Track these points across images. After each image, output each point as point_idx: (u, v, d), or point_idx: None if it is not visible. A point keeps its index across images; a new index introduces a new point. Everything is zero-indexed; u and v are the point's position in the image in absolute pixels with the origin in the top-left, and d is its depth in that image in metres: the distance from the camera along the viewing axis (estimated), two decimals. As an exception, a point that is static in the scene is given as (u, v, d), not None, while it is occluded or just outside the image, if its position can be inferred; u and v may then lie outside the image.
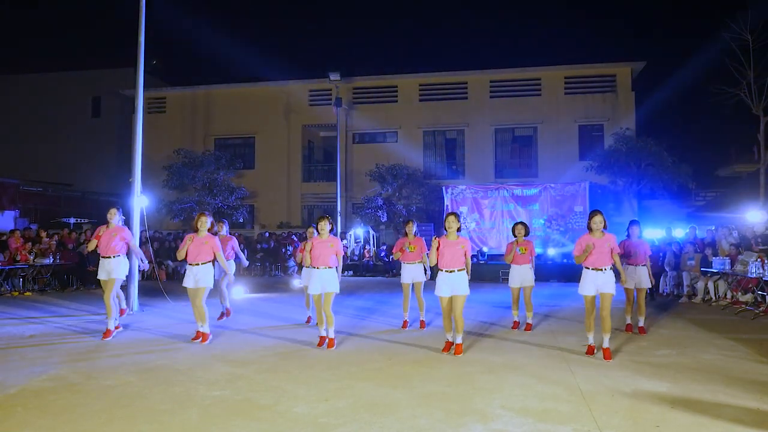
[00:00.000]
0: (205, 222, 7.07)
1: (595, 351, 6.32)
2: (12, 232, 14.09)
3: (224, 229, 8.86)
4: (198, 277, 7.02)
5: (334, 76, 22.82)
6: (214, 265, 7.33)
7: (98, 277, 7.63)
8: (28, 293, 12.76)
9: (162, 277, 15.06)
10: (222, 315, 8.97)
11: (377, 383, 5.25)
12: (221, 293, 8.98)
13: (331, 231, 6.88)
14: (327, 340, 6.77)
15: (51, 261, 13.54)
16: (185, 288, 7.15)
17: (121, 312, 8.64)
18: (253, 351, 6.68)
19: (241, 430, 4.06)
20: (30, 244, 13.77)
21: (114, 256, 7.52)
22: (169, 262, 17.12)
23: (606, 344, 6.25)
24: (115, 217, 7.62)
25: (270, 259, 19.12)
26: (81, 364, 5.96)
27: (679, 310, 10.24)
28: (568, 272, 15.94)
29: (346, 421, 4.22)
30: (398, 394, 4.90)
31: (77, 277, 14.13)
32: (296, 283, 15.69)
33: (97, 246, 7.66)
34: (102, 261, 7.55)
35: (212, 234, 7.27)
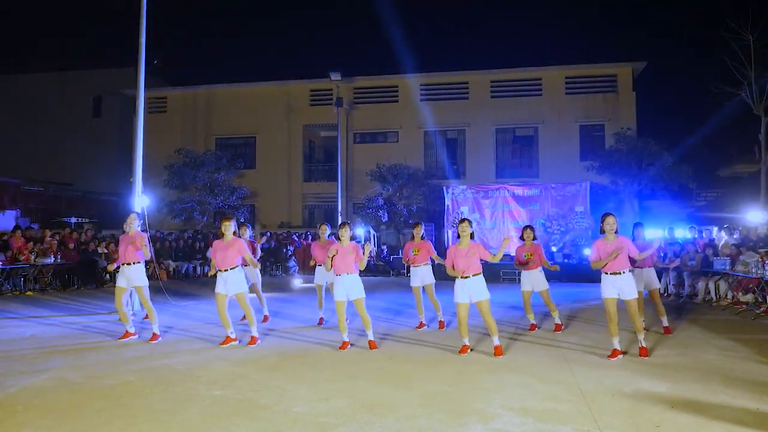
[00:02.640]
0: (230, 227, 7.04)
1: (621, 355, 6.23)
2: (13, 231, 14.11)
3: (247, 234, 8.85)
4: (228, 283, 6.98)
5: (335, 76, 22.83)
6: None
7: (118, 284, 7.50)
8: (29, 293, 12.76)
9: (163, 277, 15.06)
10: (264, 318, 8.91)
11: (378, 383, 5.26)
12: (260, 297, 9.01)
13: (351, 238, 6.97)
14: (368, 342, 6.86)
15: (52, 260, 13.55)
16: (216, 294, 7.07)
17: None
18: (253, 350, 6.69)
19: (241, 429, 4.07)
20: (31, 243, 13.78)
21: (134, 264, 7.42)
22: (170, 262, 17.12)
23: (643, 344, 6.38)
24: (134, 223, 7.54)
25: (271, 259, 19.13)
26: (81, 364, 5.97)
27: (679, 310, 10.23)
28: (568, 272, 15.94)
29: (346, 420, 4.23)
30: (398, 393, 4.91)
31: (78, 276, 14.15)
32: (297, 283, 15.75)
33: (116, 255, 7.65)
34: (122, 268, 7.46)
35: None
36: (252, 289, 8.56)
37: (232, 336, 7.03)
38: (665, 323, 7.90)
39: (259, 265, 8.68)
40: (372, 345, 6.78)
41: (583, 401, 4.65)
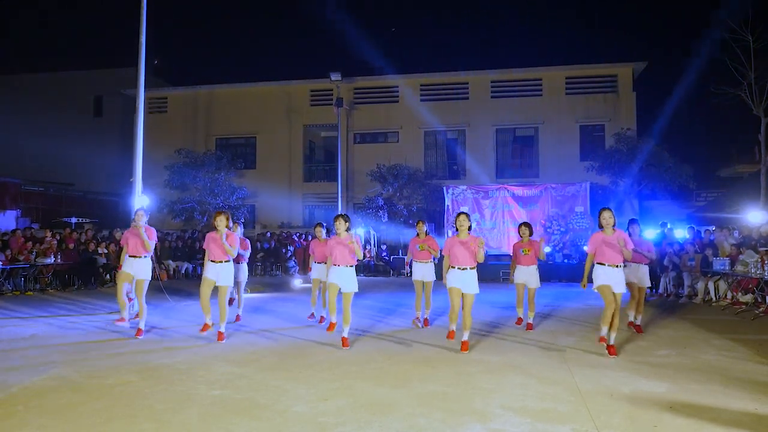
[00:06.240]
0: (223, 220, 7.22)
1: (613, 352, 6.29)
2: (13, 231, 14.14)
3: (239, 231, 8.90)
4: (220, 274, 7.22)
5: (335, 76, 22.84)
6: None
7: (123, 269, 7.69)
8: (29, 293, 12.79)
9: (163, 277, 15.08)
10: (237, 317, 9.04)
11: (377, 383, 5.27)
12: (239, 296, 9.13)
13: (347, 229, 6.96)
14: (342, 338, 6.84)
15: (52, 260, 13.58)
16: (202, 278, 7.29)
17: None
18: (253, 350, 6.70)
19: (241, 429, 4.08)
20: (31, 243, 13.80)
21: (142, 256, 7.64)
22: (170, 262, 17.14)
23: (612, 341, 6.39)
24: (142, 219, 7.75)
25: (271, 258, 19.15)
26: (82, 364, 5.99)
27: (679, 310, 10.24)
28: (569, 272, 15.96)
29: (346, 420, 4.24)
30: (398, 393, 4.92)
31: (78, 276, 14.17)
32: (297, 283, 15.76)
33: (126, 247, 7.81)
34: (129, 260, 7.68)
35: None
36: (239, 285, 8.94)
37: (210, 323, 7.26)
38: (638, 321, 8.02)
39: (245, 260, 9.02)
40: (344, 342, 6.79)
41: (582, 401, 4.66)
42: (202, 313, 7.37)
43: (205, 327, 7.25)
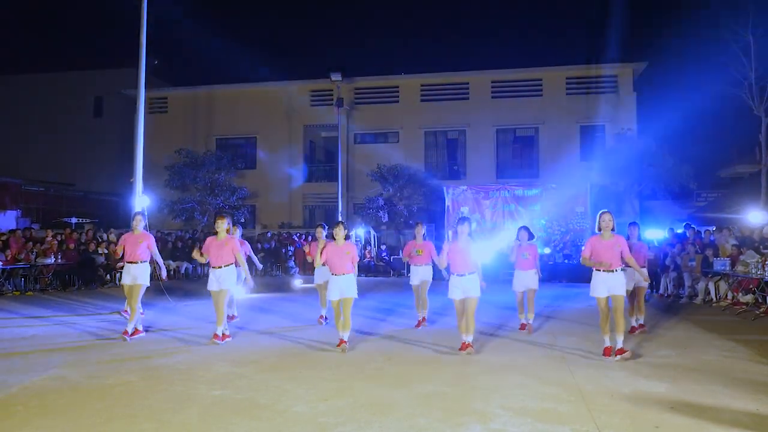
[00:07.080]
0: (223, 224, 7.11)
1: (612, 353, 6.22)
2: (14, 231, 14.13)
3: (237, 233, 8.85)
4: (221, 280, 7.09)
5: (336, 77, 22.81)
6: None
7: (122, 282, 7.69)
8: (29, 293, 12.78)
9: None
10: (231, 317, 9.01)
11: (377, 383, 5.27)
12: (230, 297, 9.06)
13: (347, 237, 6.89)
14: (340, 339, 6.74)
15: (52, 261, 13.57)
16: (209, 291, 7.19)
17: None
18: (253, 350, 6.69)
19: (241, 428, 4.07)
20: (31, 243, 13.80)
21: (140, 262, 7.56)
22: (170, 262, 17.12)
23: (620, 345, 6.21)
24: (140, 224, 7.73)
25: (271, 259, 19.14)
26: (82, 364, 5.98)
27: (679, 310, 10.23)
28: (571, 273, 15.95)
29: (346, 420, 4.23)
30: (397, 393, 4.91)
31: (79, 276, 14.16)
32: (297, 283, 15.76)
33: (123, 252, 7.72)
34: (127, 266, 7.62)
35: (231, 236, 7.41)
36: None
37: (227, 333, 7.19)
38: (641, 321, 7.98)
39: (246, 266, 8.82)
40: (341, 343, 6.66)
41: (582, 402, 4.66)
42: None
43: (224, 336, 7.08)
